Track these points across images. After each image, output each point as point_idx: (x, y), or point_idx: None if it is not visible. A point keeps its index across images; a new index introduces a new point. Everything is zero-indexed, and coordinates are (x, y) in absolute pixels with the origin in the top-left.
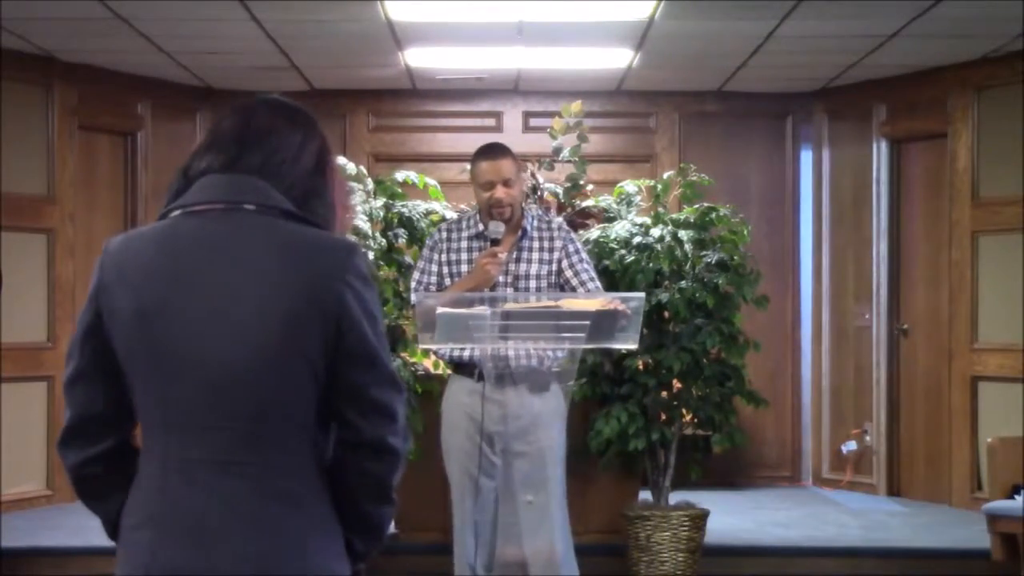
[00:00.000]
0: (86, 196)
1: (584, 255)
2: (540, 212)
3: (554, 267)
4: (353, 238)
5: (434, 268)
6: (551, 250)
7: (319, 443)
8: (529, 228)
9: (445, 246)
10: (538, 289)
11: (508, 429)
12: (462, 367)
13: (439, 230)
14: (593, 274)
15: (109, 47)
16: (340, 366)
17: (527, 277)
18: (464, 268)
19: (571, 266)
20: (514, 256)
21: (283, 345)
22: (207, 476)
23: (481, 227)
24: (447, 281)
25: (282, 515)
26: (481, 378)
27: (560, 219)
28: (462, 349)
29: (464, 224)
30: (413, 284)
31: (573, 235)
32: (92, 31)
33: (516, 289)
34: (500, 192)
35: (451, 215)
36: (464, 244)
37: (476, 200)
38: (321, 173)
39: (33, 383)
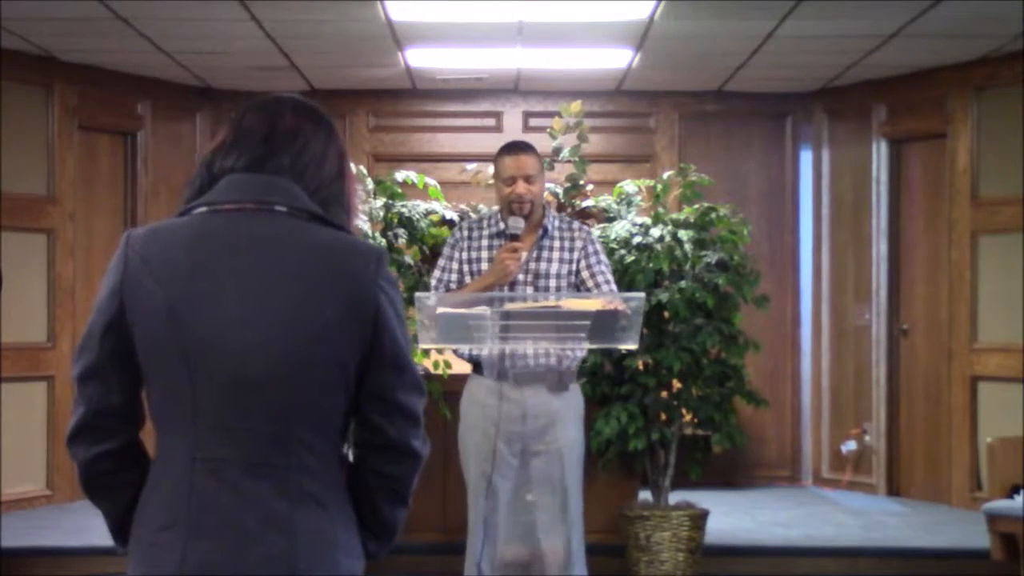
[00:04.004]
0: (86, 196)
1: (603, 258)
2: (562, 214)
3: (573, 267)
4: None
5: (455, 266)
6: (571, 250)
7: (342, 445)
8: (550, 227)
9: (466, 244)
10: (558, 288)
11: (526, 429)
12: (481, 366)
13: (460, 228)
14: (610, 277)
15: (109, 47)
16: (371, 369)
17: (547, 276)
18: (484, 266)
19: (588, 267)
20: (534, 255)
21: (316, 348)
22: (236, 477)
23: (502, 225)
24: (467, 279)
25: (310, 516)
26: (500, 377)
27: (581, 223)
28: (481, 348)
29: (486, 223)
30: (433, 282)
31: (595, 238)
32: (92, 31)
33: (536, 288)
34: (521, 187)
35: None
36: (485, 242)
37: (497, 195)
38: (342, 178)
39: (33, 383)
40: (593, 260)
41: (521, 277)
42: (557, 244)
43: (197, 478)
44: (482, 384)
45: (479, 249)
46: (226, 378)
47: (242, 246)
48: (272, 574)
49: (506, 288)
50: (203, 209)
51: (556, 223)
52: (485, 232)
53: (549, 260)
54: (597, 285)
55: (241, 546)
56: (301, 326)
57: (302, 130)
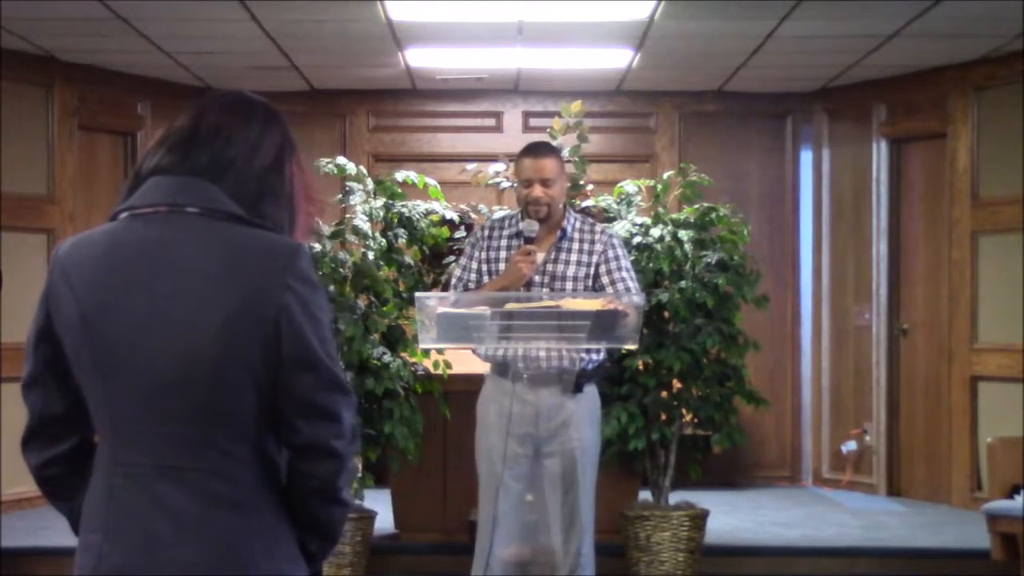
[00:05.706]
0: (86, 196)
1: (625, 263)
2: (585, 216)
3: (592, 270)
4: (346, 238)
5: (474, 266)
6: (590, 253)
7: (267, 446)
8: (569, 229)
9: (485, 244)
10: (574, 290)
11: (540, 430)
12: (498, 367)
13: (482, 228)
14: (631, 284)
15: (109, 47)
16: (281, 370)
17: (563, 278)
18: (502, 266)
19: (608, 272)
20: (552, 256)
21: (222, 350)
22: (150, 481)
23: (521, 226)
24: (485, 279)
25: (225, 521)
26: (514, 379)
27: (604, 226)
28: (496, 349)
29: (506, 223)
30: (453, 281)
31: (617, 242)
32: (92, 31)
33: (552, 289)
34: (538, 191)
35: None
36: (503, 243)
37: (516, 197)
38: (279, 171)
39: None
40: (614, 265)
41: (537, 279)
42: (576, 246)
43: (115, 482)
44: (498, 385)
45: (498, 249)
46: (138, 384)
47: (151, 251)
48: None
49: (522, 289)
50: (125, 214)
51: (576, 224)
52: (505, 232)
53: (567, 262)
54: (617, 293)
55: (153, 551)
56: (204, 328)
57: (227, 126)
